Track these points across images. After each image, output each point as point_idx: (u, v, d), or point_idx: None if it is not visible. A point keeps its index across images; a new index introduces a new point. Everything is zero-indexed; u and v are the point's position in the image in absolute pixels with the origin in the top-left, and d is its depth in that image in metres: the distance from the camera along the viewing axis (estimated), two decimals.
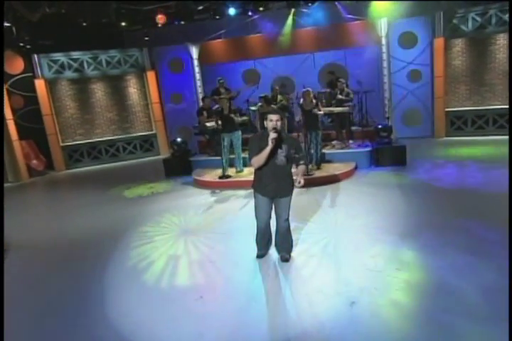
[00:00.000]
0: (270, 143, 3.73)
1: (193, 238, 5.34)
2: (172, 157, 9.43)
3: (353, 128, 9.72)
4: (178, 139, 9.50)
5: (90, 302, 3.86)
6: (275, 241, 4.40)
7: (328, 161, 8.30)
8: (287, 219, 4.18)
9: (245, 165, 8.36)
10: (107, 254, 4.98)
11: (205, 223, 5.92)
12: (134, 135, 12.34)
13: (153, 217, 6.39)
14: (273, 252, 4.50)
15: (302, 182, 3.82)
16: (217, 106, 7.79)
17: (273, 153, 3.84)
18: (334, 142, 9.10)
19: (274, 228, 4.30)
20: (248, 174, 7.85)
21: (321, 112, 7.63)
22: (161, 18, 9.97)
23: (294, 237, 4.42)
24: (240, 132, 7.95)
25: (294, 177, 3.95)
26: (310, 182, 7.21)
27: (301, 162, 3.95)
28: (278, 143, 3.80)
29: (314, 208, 6.07)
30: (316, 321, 3.23)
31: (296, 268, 4.18)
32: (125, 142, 12.23)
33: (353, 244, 4.66)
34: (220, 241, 5.12)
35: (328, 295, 3.58)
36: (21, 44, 9.18)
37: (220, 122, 7.75)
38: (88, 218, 6.65)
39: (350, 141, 9.04)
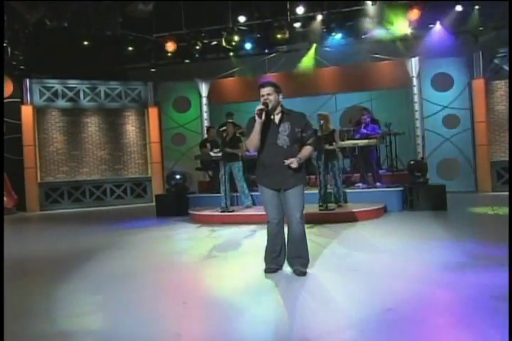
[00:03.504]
0: (256, 116, 3.59)
1: (186, 259, 4.96)
2: (167, 193, 9.18)
3: (381, 171, 9.54)
4: (178, 176, 9.33)
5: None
6: (287, 251, 3.93)
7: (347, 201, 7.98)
8: (301, 221, 3.80)
9: (254, 201, 8.10)
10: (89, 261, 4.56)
11: (203, 248, 5.56)
12: (126, 177, 12.26)
13: (138, 244, 6.08)
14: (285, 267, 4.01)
15: (294, 163, 3.60)
16: (224, 127, 7.80)
17: (270, 132, 3.69)
18: (358, 184, 8.84)
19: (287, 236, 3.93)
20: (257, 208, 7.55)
21: (332, 147, 7.47)
22: (170, 46, 10.54)
23: (310, 251, 3.97)
24: (240, 163, 7.91)
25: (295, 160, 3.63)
26: (327, 219, 6.89)
27: (309, 141, 3.78)
28: (268, 117, 3.68)
29: (333, 235, 5.71)
30: (336, 322, 2.73)
31: (314, 278, 3.75)
32: (114, 184, 12.11)
33: (388, 256, 4.32)
34: (219, 263, 4.75)
35: (354, 302, 3.13)
36: (14, 63, 9.60)
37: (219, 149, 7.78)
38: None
39: (378, 184, 8.75)
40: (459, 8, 9.44)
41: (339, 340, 2.55)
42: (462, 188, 10.73)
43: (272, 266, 3.92)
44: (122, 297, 3.54)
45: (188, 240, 6.38)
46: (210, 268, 4.38)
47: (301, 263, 3.83)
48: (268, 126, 3.69)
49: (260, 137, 3.67)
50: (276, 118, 3.75)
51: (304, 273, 3.78)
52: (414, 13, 9.17)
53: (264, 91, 3.67)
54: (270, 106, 3.66)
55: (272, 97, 3.66)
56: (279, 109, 3.75)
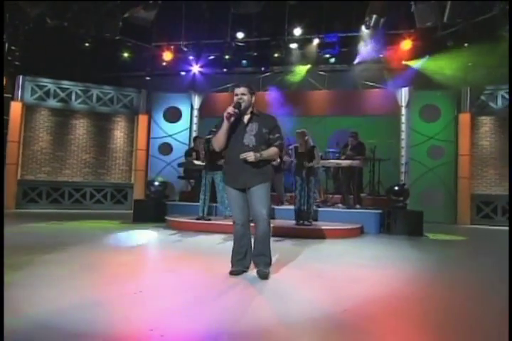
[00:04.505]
0: (225, 118, 3.63)
1: (150, 256, 4.89)
2: (146, 198, 9.14)
3: (363, 195, 9.63)
4: (156, 183, 9.29)
5: None
6: (253, 249, 3.88)
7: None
8: (267, 218, 3.76)
9: None
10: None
11: (172, 249, 5.54)
12: (108, 182, 12.19)
13: (101, 241, 6.01)
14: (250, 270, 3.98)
15: (251, 156, 3.56)
16: (211, 136, 7.83)
17: (238, 131, 3.72)
18: (338, 204, 8.91)
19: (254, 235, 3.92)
20: None
21: (311, 164, 7.40)
22: (167, 55, 10.72)
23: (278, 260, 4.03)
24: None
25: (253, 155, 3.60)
26: (302, 234, 6.89)
27: (275, 143, 3.79)
28: (239, 120, 3.72)
29: (305, 248, 5.69)
30: (289, 318, 2.73)
31: (276, 279, 3.74)
32: (95, 188, 12.02)
33: (354, 268, 4.27)
34: (184, 262, 4.71)
35: (310, 302, 3.15)
36: (9, 58, 9.66)
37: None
38: None
39: (358, 206, 8.82)
40: (450, 43, 9.73)
41: (286, 334, 2.52)
42: (442, 219, 10.82)
43: (238, 268, 3.89)
44: (75, 284, 3.48)
45: (157, 242, 6.32)
46: (174, 266, 4.35)
47: (264, 262, 3.80)
48: (236, 124, 3.73)
49: (227, 137, 3.72)
50: (246, 117, 3.78)
51: (267, 276, 3.73)
52: (407, 43, 9.45)
53: (239, 90, 3.74)
54: (243, 107, 3.69)
55: (245, 97, 3.71)
56: (249, 109, 3.79)
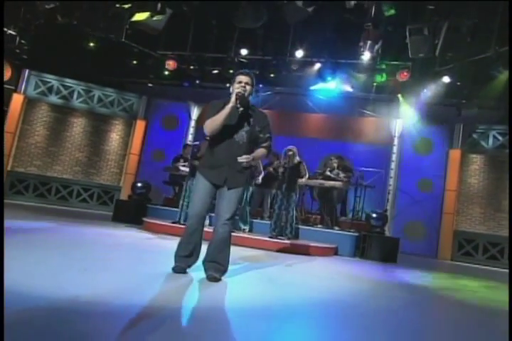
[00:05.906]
0: (233, 98, 3.45)
1: (107, 248, 4.96)
2: (128, 199, 9.24)
3: (343, 218, 9.73)
4: (139, 184, 9.42)
5: None
6: (206, 255, 3.61)
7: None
8: (228, 223, 3.52)
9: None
10: None
11: (128, 244, 5.57)
12: (96, 182, 12.31)
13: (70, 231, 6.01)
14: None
15: (249, 159, 3.47)
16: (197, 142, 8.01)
17: (230, 125, 3.51)
18: (318, 225, 9.00)
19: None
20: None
21: (302, 180, 7.69)
22: (170, 65, 11.01)
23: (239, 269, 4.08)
24: None
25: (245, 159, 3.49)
26: (273, 247, 6.96)
27: (264, 144, 3.68)
28: (233, 114, 3.50)
29: (269, 260, 5.75)
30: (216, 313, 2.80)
31: (222, 280, 3.74)
32: (82, 187, 12.13)
33: (309, 277, 4.28)
34: (135, 255, 4.76)
35: (243, 301, 3.25)
36: (17, 51, 9.94)
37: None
38: None
39: (336, 228, 8.88)
40: (446, 79, 9.93)
41: (212, 317, 2.61)
42: (423, 252, 10.87)
43: (182, 265, 3.64)
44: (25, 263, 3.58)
45: (123, 238, 6.34)
46: (127, 257, 4.43)
47: (215, 268, 3.53)
48: (230, 117, 3.51)
49: (224, 122, 3.47)
50: (240, 111, 3.61)
51: (217, 279, 3.48)
52: (404, 76, 9.69)
53: (245, 79, 3.58)
54: (246, 95, 3.54)
55: (249, 88, 3.57)
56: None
